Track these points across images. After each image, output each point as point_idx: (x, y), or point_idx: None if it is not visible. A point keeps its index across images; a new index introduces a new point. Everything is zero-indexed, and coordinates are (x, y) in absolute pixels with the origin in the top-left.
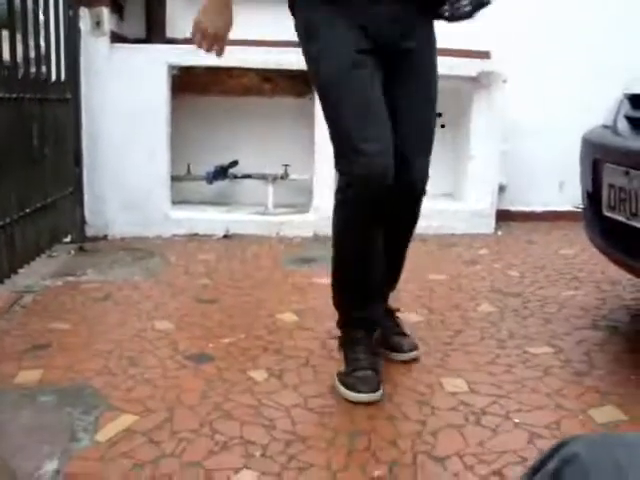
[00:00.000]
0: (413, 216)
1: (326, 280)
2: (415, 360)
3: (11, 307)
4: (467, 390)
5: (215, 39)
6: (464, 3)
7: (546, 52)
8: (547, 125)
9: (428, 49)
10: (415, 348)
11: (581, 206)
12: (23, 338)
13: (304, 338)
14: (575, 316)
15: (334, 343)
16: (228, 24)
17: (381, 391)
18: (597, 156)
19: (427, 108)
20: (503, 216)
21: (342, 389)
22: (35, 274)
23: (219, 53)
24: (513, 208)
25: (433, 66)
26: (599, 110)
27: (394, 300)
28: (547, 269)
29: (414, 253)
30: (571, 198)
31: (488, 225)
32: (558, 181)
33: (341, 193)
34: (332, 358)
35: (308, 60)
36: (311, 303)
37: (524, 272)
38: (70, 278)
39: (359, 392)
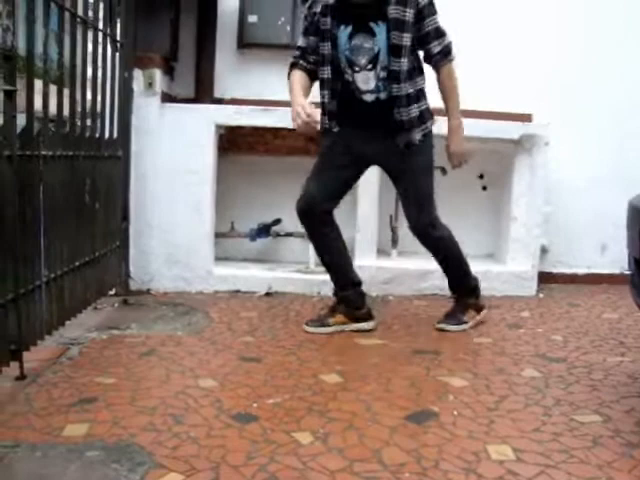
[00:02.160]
0: (434, 250)
1: (369, 341)
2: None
3: (58, 359)
4: (514, 458)
5: (299, 113)
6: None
7: (587, 113)
8: (589, 187)
9: (412, 152)
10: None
11: (628, 271)
12: (70, 391)
13: (348, 400)
14: (623, 384)
15: (379, 406)
16: (305, 101)
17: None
18: None
19: (416, 184)
20: (545, 278)
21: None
22: (81, 326)
23: (312, 126)
24: (555, 270)
25: (419, 158)
26: None
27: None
28: (591, 334)
29: None
30: (613, 261)
31: (530, 288)
32: (600, 243)
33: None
34: (377, 422)
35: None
36: (354, 364)
37: (567, 337)
38: (115, 331)
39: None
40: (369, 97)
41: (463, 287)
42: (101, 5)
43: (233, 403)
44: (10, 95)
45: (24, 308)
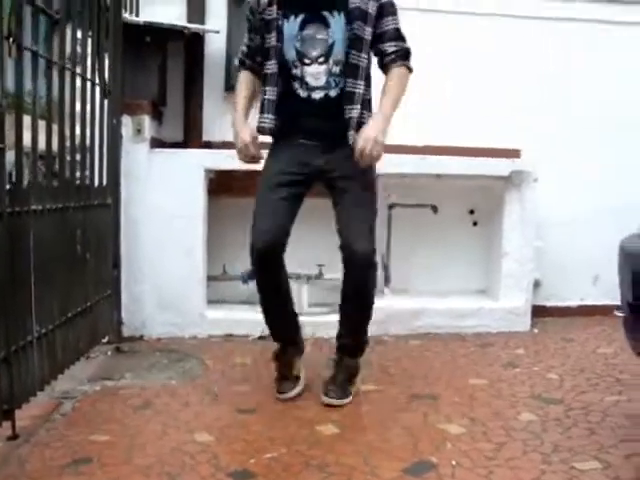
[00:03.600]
0: (362, 284)
1: (365, 387)
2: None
3: (51, 415)
4: None
5: (244, 151)
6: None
7: (576, 147)
8: (579, 219)
9: (356, 166)
10: (340, 398)
11: (621, 313)
12: (64, 451)
13: (346, 453)
14: (620, 426)
15: (377, 458)
16: (249, 135)
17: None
18: (637, 268)
19: (360, 204)
20: (539, 312)
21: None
22: (73, 378)
23: (253, 161)
24: (549, 304)
25: (362, 175)
26: (630, 204)
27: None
28: (587, 371)
29: (451, 355)
30: (606, 291)
31: (524, 323)
32: (592, 275)
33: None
34: (376, 475)
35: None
36: (351, 413)
37: (563, 375)
38: (108, 383)
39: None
40: (318, 94)
41: (364, 344)
42: (89, 53)
43: (229, 459)
44: None
45: (16, 366)
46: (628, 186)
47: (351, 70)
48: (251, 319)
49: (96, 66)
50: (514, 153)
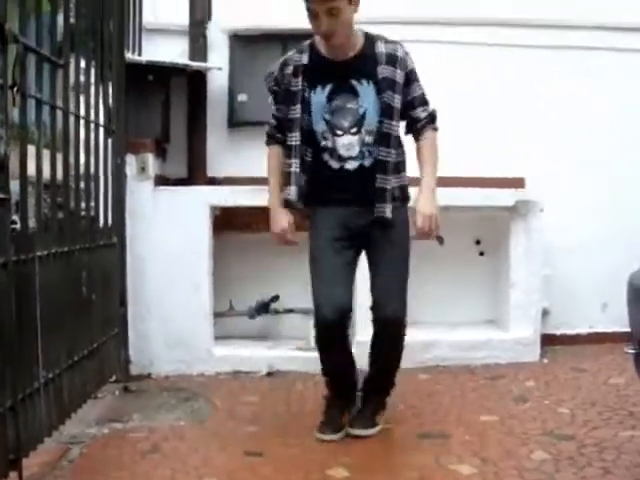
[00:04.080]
0: (392, 344)
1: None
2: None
3: (58, 462)
4: None
5: (281, 237)
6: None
7: (582, 173)
8: (586, 246)
9: (394, 226)
10: (367, 427)
11: (632, 350)
12: None
13: None
14: (636, 464)
15: None
16: (285, 221)
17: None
18: None
19: (396, 262)
20: (548, 340)
21: (315, 432)
22: (81, 421)
23: (290, 243)
24: (558, 332)
25: (399, 233)
26: (638, 231)
27: None
28: (599, 404)
29: (461, 389)
30: (615, 318)
31: (533, 353)
32: (600, 302)
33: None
34: None
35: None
36: (361, 454)
37: (575, 409)
38: (116, 425)
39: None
40: (351, 165)
41: (392, 386)
42: (92, 94)
43: None
44: (4, 202)
45: (22, 414)
46: (635, 212)
47: (382, 138)
48: (259, 355)
49: (100, 107)
50: (519, 182)
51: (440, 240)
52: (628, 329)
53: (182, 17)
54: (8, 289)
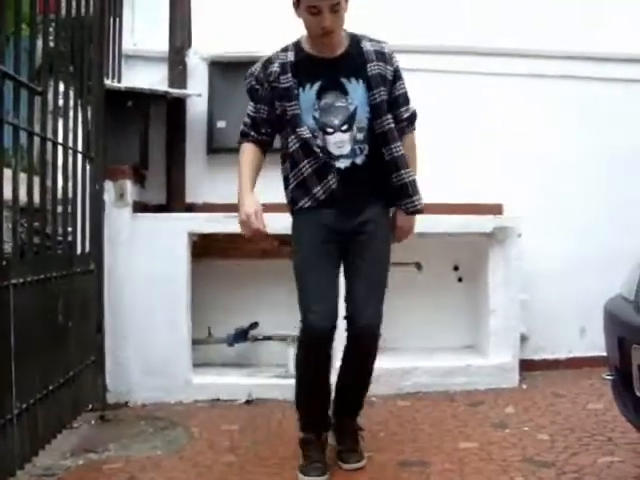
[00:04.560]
0: (367, 357)
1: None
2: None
3: None
4: None
5: (247, 224)
6: (417, 202)
7: (559, 199)
8: (563, 272)
9: (379, 231)
10: (359, 460)
11: (609, 376)
12: None
13: None
14: None
15: None
16: (253, 207)
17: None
18: (623, 334)
19: (375, 270)
20: (527, 366)
21: (300, 476)
22: (55, 451)
23: (257, 234)
24: (537, 357)
25: (383, 240)
26: (614, 255)
27: None
28: (578, 430)
29: (440, 415)
30: (593, 343)
31: (512, 379)
32: (579, 327)
33: (298, 339)
34: None
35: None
36: None
37: (554, 434)
38: (92, 455)
39: (310, 476)
40: (343, 163)
41: (362, 406)
42: (71, 120)
43: None
44: None
45: None
46: (612, 237)
47: (384, 137)
48: (238, 383)
49: (78, 133)
50: (497, 208)
51: (418, 266)
52: (605, 353)
53: (162, 44)
54: None
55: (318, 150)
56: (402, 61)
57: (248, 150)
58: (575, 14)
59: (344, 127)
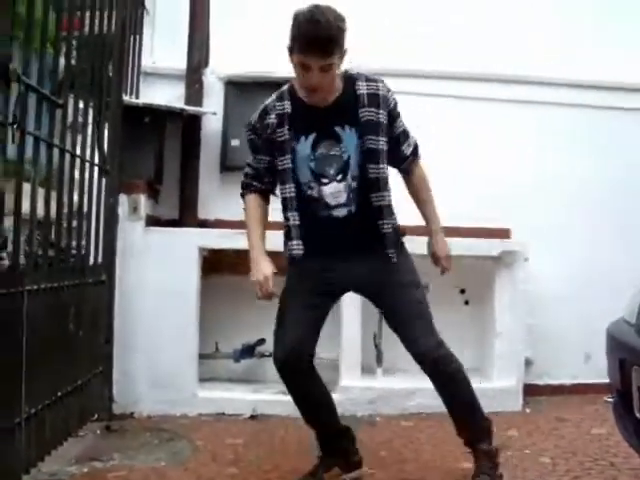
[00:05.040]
0: (448, 376)
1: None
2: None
3: None
4: None
5: (262, 285)
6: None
7: (566, 225)
8: (571, 297)
9: (399, 270)
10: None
11: (610, 398)
12: None
13: None
14: None
15: None
16: (269, 269)
17: None
18: (624, 356)
19: (418, 305)
20: (531, 391)
21: None
22: (61, 458)
23: (271, 295)
24: (541, 382)
25: (408, 275)
26: (620, 281)
27: None
28: (580, 454)
29: (444, 436)
30: (598, 369)
31: (516, 403)
32: (584, 353)
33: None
34: None
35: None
36: None
37: (556, 458)
38: (97, 464)
39: None
40: (340, 212)
41: (486, 426)
42: (89, 134)
43: None
44: None
45: (2, 449)
46: (619, 263)
47: (373, 184)
48: (243, 398)
49: (95, 147)
50: (504, 233)
51: (425, 288)
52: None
53: (180, 62)
54: None
55: (312, 201)
56: (411, 86)
57: (253, 204)
58: (585, 41)
59: (339, 177)
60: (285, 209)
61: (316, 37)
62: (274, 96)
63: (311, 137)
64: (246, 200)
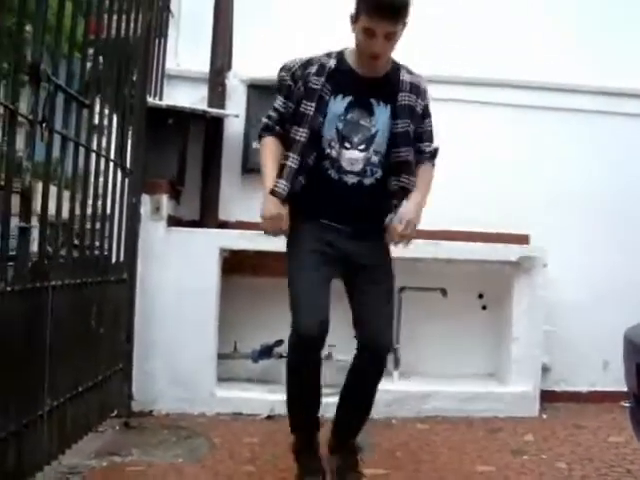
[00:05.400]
0: (377, 377)
1: (372, 470)
2: None
3: None
4: None
5: (270, 223)
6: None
7: (585, 231)
8: (589, 304)
9: (381, 260)
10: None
11: (628, 404)
12: None
13: None
14: None
15: None
16: (278, 208)
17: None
18: None
19: (387, 296)
20: (548, 397)
21: None
22: (81, 452)
23: (280, 233)
24: (558, 389)
25: (389, 267)
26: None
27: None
28: (596, 460)
29: (460, 440)
30: (616, 378)
31: (532, 408)
32: (602, 360)
33: (289, 342)
34: None
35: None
36: None
37: (572, 463)
38: (115, 458)
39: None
40: (351, 179)
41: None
42: (113, 135)
43: None
44: (25, 232)
45: (25, 440)
46: (638, 269)
47: (399, 167)
48: (260, 399)
49: (120, 147)
50: (523, 239)
51: (444, 292)
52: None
53: (203, 65)
54: (21, 315)
55: (325, 159)
56: (436, 91)
57: (271, 144)
58: (607, 48)
59: (361, 147)
60: (289, 149)
61: (390, 2)
62: (322, 53)
63: (347, 99)
64: (263, 141)
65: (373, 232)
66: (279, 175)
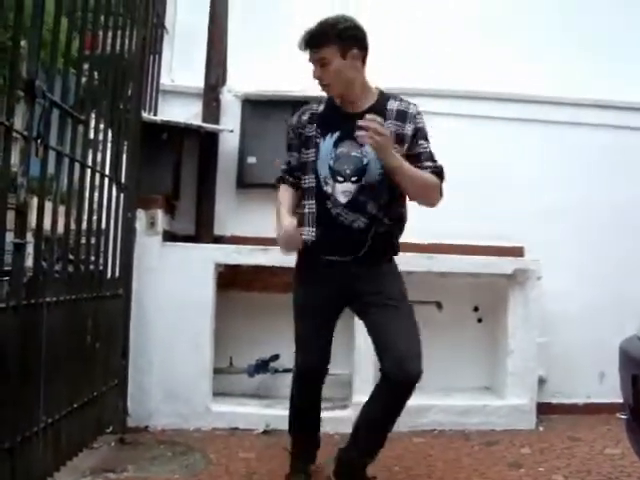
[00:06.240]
0: (401, 406)
1: None
2: None
3: None
4: None
5: (287, 237)
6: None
7: (579, 243)
8: (584, 316)
9: (386, 285)
10: None
11: (624, 416)
12: None
13: None
14: None
15: None
16: (293, 225)
17: None
18: (636, 372)
19: (408, 320)
20: (544, 409)
21: None
22: (75, 469)
23: (297, 246)
24: (554, 401)
25: (400, 291)
26: (636, 302)
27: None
28: (593, 473)
29: (456, 453)
30: (612, 389)
31: (529, 421)
32: (598, 372)
33: (293, 376)
34: None
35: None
36: None
37: (569, 476)
38: (110, 475)
39: None
40: (349, 212)
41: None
42: (108, 150)
43: None
44: (20, 248)
45: (19, 457)
46: (633, 281)
47: (391, 192)
48: (256, 413)
49: (115, 162)
50: (518, 251)
51: (439, 305)
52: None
53: (197, 81)
54: (16, 332)
55: (327, 199)
56: (430, 105)
57: (284, 190)
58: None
59: (354, 178)
60: (303, 198)
61: (307, 31)
62: (315, 102)
63: (335, 135)
64: (279, 189)
65: (377, 259)
66: (300, 223)
